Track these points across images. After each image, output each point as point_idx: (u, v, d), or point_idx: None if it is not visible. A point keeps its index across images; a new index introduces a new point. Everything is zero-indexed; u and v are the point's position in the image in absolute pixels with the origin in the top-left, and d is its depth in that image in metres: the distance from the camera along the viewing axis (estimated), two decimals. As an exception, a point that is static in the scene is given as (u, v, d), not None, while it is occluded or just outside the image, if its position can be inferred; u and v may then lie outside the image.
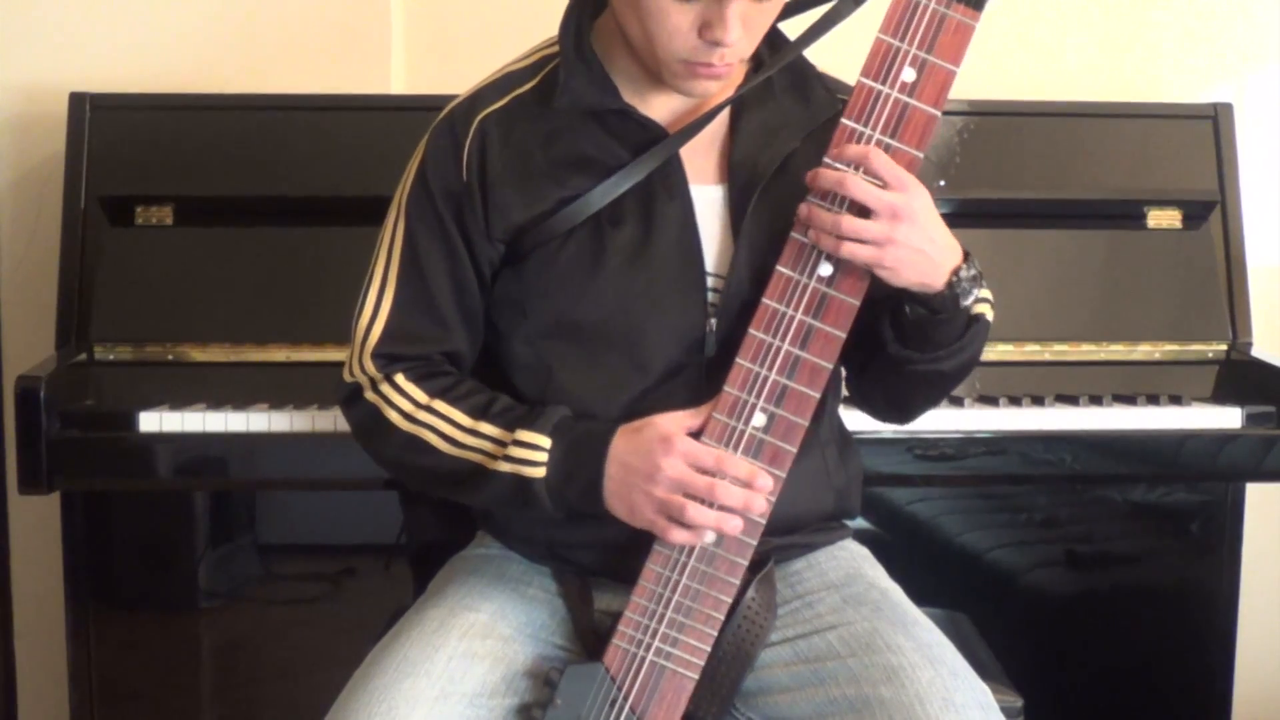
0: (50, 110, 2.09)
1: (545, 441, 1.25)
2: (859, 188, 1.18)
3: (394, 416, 1.32)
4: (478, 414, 1.30)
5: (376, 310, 1.35)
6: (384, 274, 1.35)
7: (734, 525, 1.21)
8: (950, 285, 1.23)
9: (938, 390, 1.40)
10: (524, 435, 1.26)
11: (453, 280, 1.34)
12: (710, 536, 1.23)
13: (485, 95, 1.36)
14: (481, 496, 1.30)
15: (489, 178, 1.32)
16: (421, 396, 1.32)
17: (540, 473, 1.25)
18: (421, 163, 1.36)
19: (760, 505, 1.22)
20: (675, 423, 1.23)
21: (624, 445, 1.24)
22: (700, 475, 1.21)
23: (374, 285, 1.36)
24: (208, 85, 2.14)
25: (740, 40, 1.23)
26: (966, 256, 1.25)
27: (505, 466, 1.26)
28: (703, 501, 1.20)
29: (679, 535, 1.22)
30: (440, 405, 1.31)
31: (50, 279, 1.96)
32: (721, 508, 1.20)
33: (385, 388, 1.33)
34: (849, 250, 1.19)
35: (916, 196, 1.20)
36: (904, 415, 1.46)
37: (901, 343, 1.29)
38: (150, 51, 2.18)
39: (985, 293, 1.31)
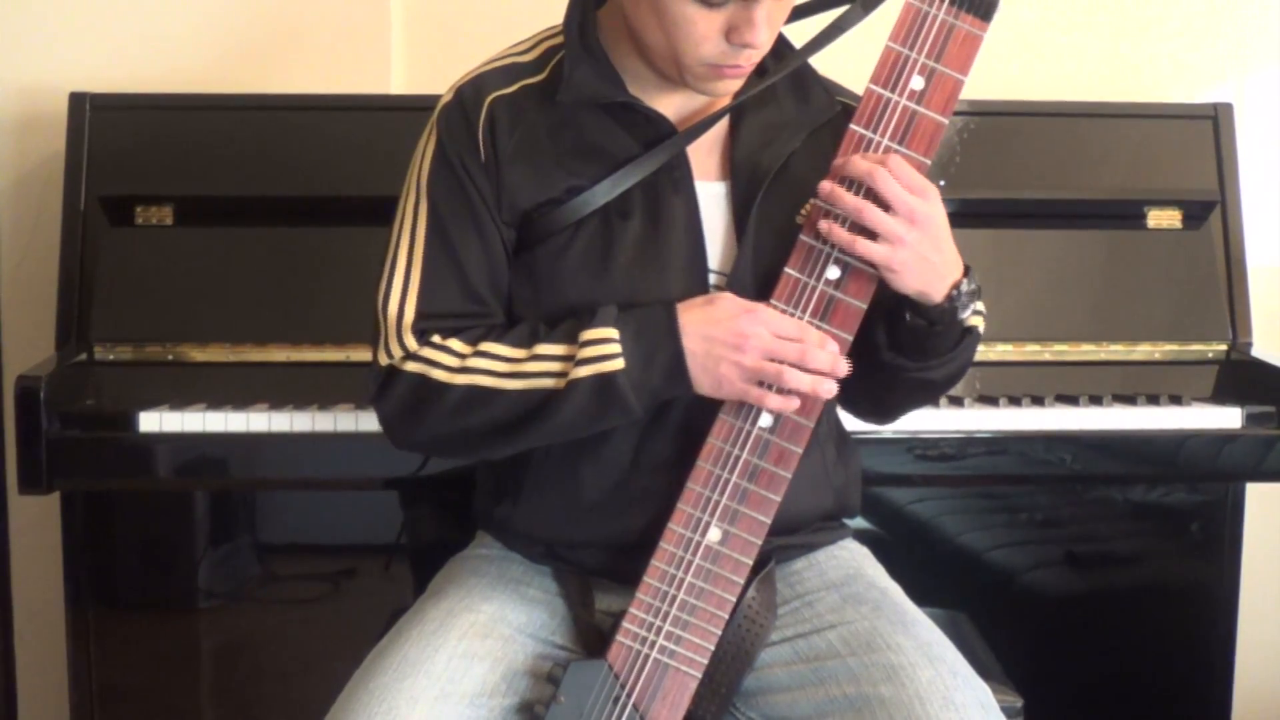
0: (50, 110, 2.09)
1: (613, 333, 1.23)
2: (887, 183, 1.19)
3: (442, 375, 1.28)
4: (529, 341, 1.27)
5: (405, 292, 1.31)
6: (408, 257, 1.32)
7: (829, 388, 1.22)
8: (950, 298, 1.24)
9: (924, 396, 1.42)
10: (589, 334, 1.24)
11: (485, 254, 1.31)
12: (794, 403, 1.23)
13: (491, 79, 1.35)
14: (559, 419, 1.25)
15: (500, 158, 1.31)
16: (464, 347, 1.29)
17: (620, 364, 1.23)
18: (438, 141, 1.33)
19: (843, 369, 1.22)
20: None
21: (699, 318, 1.23)
22: (787, 342, 1.21)
23: (398, 270, 1.32)
24: (208, 85, 2.14)
25: (766, 40, 1.24)
26: (967, 271, 1.26)
27: (583, 371, 1.23)
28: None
29: (774, 401, 1.22)
30: (488, 346, 1.28)
31: (50, 279, 1.96)
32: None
33: (426, 350, 1.29)
34: (863, 247, 1.20)
35: (935, 205, 1.21)
36: (886, 417, 1.47)
37: (895, 351, 1.30)
38: (150, 51, 2.18)
39: (979, 305, 1.32)
